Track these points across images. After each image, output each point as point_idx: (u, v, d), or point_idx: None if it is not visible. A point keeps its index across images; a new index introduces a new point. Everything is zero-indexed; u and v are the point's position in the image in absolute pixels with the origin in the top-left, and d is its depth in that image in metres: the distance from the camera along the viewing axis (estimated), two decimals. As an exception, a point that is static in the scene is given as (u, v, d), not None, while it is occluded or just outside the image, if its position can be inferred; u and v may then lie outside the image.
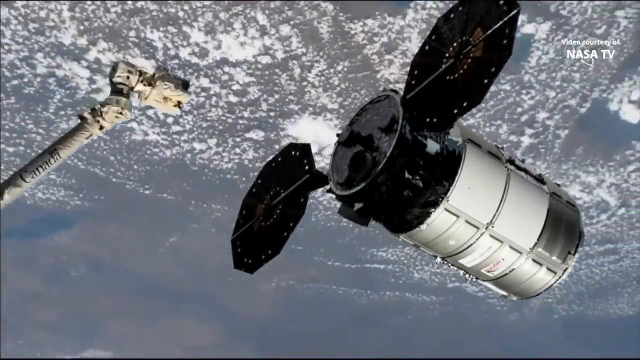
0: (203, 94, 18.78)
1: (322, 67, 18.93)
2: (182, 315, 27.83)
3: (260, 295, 27.68)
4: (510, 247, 5.78)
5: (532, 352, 30.37)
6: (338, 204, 5.80)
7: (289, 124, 20.20)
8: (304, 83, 19.22)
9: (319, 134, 20.11)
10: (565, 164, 22.00)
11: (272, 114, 19.95)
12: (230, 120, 20.12)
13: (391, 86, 5.99)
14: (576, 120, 20.73)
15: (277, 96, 19.54)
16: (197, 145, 20.78)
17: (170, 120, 19.38)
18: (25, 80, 19.16)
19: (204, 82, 18.63)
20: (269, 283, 27.20)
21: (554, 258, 5.99)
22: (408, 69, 5.83)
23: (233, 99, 19.43)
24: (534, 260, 5.91)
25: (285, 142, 19.77)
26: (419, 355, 30.45)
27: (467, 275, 6.13)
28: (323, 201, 23.10)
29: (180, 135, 19.97)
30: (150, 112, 19.11)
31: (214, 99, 19.20)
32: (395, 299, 28.35)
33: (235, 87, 19.16)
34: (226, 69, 18.74)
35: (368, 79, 19.13)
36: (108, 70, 7.12)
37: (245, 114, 20.11)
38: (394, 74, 18.77)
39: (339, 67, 18.96)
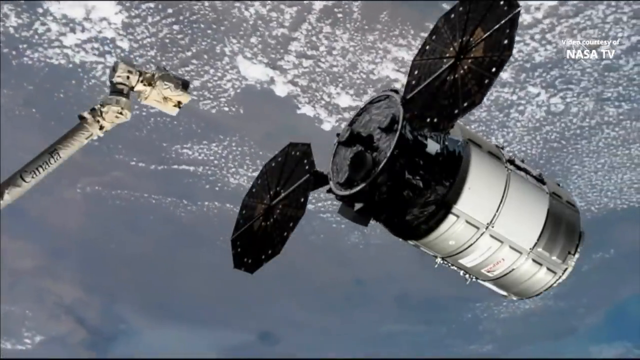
0: None
1: None
2: (-11, 228, 25.09)
3: (68, 204, 25.00)
4: (510, 247, 5.79)
5: (383, 280, 28.06)
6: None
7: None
8: None
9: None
10: (370, 34, 19.00)
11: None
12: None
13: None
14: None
15: None
16: None
17: None
18: None
19: None
20: (73, 188, 24.53)
21: (554, 258, 6.00)
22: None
23: None
24: (534, 261, 5.92)
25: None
26: (257, 282, 28.27)
27: (467, 275, 6.14)
28: (106, 81, 21.22)
29: None
30: None
31: None
32: (217, 210, 25.71)
33: None
34: None
35: None
36: None
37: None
38: None
39: None
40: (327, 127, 23.76)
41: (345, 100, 22.97)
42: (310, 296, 28.47)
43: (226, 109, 22.89)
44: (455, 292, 28.01)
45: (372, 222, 5.88)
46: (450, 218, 5.51)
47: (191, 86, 7.13)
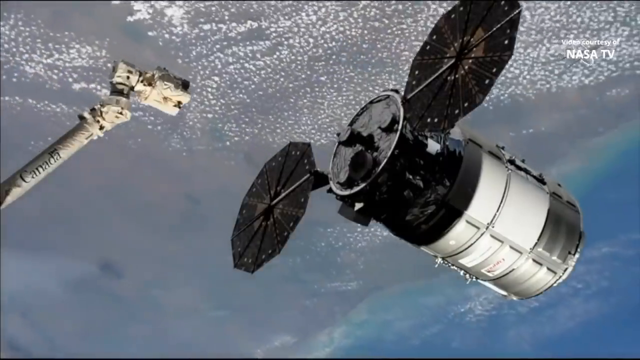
0: None
1: None
2: None
3: None
4: (511, 247, 5.80)
5: (217, 196, 25.04)
6: None
7: None
8: None
9: None
10: None
11: None
12: None
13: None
14: None
15: None
16: None
17: None
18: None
19: None
20: None
21: (554, 258, 6.01)
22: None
23: None
24: (534, 261, 5.93)
25: None
26: (85, 202, 25.01)
27: (467, 275, 6.14)
28: None
29: None
30: None
31: None
32: (20, 108, 23.00)
33: None
34: None
35: None
36: None
37: None
38: None
39: None
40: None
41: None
42: (142, 216, 26.28)
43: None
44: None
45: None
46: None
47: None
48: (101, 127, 6.77)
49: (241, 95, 24.67)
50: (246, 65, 24.05)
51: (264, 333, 29.15)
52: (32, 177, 6.47)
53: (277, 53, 23.60)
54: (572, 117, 24.81)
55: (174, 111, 7.19)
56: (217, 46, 23.68)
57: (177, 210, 26.55)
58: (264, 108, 24.82)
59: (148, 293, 27.93)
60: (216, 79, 24.35)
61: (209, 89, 24.45)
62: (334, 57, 23.20)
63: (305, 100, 24.63)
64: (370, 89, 23.30)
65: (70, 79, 23.40)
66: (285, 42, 23.28)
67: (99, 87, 23.38)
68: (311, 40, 23.06)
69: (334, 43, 22.70)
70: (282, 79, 24.15)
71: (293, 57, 23.47)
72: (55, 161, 6.56)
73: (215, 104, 24.57)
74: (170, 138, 25.14)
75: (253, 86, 24.52)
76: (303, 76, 24.03)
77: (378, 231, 26.00)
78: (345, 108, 24.62)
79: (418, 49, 5.73)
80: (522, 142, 24.47)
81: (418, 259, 5.88)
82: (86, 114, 6.76)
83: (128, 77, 6.84)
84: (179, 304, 28.17)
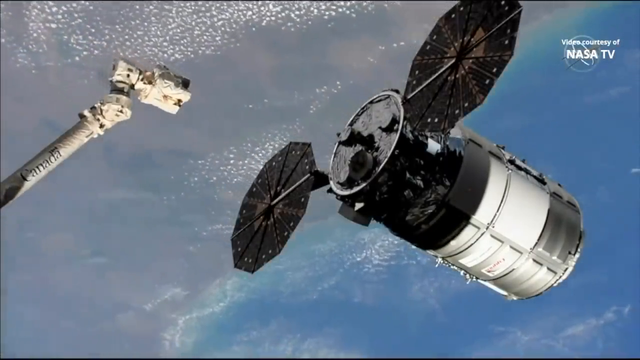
0: None
1: None
2: None
3: None
4: (511, 247, 5.80)
5: (72, 116, 20.35)
6: None
7: None
8: None
9: None
10: None
11: None
12: None
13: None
14: None
15: None
16: None
17: None
18: None
19: None
20: None
21: (555, 258, 6.01)
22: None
23: None
24: (534, 260, 5.93)
25: None
26: None
27: (467, 275, 6.14)
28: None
29: None
30: None
31: None
32: None
33: None
34: None
35: None
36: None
37: None
38: None
39: None
40: None
41: None
42: (1, 145, 23.03)
43: None
44: (167, 142, 23.72)
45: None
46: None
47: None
48: (101, 126, 6.79)
49: (83, 2, 22.65)
50: (81, -38, 21.92)
51: (150, 284, 27.04)
52: (33, 176, 6.48)
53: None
54: (449, 28, 22.85)
55: (174, 109, 7.19)
56: (44, -63, 21.26)
57: (37, 137, 23.06)
58: (109, 16, 22.92)
59: (24, 235, 25.88)
60: (52, -20, 21.87)
61: (47, -7, 22.00)
62: (174, -50, 21.67)
63: (152, 7, 22.74)
64: (221, -7, 21.21)
65: None
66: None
67: None
68: None
69: None
70: (123, -20, 21.95)
71: (131, -48, 21.23)
72: (55, 159, 6.57)
73: (57, 12, 22.51)
74: (16, 53, 23.00)
75: (93, -12, 22.33)
76: (145, -25, 22.01)
77: (252, 164, 23.91)
78: (195, 16, 22.74)
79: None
80: (394, 57, 21.64)
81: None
82: (86, 112, 6.77)
83: (128, 76, 6.85)
84: (57, 249, 26.00)
